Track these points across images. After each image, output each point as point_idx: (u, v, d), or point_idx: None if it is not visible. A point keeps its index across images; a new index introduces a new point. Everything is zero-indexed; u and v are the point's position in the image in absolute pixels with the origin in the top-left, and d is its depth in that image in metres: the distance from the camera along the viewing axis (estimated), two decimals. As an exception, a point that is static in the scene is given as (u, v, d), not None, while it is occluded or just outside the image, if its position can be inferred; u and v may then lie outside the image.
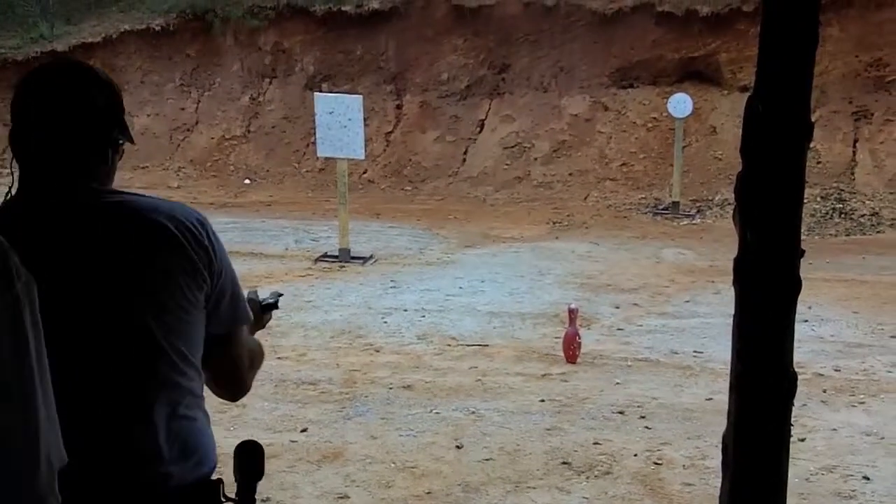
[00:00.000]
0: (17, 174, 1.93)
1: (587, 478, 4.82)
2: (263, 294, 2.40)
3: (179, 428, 1.94)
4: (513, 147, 15.18)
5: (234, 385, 2.16)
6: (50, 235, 1.88)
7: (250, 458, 2.07)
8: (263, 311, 2.34)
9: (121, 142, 2.00)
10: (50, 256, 1.85)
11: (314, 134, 11.18)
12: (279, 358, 6.72)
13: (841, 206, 12.89)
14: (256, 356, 2.20)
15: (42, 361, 1.37)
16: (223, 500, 2.00)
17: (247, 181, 15.08)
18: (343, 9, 16.08)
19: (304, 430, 5.40)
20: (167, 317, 1.90)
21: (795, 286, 1.72)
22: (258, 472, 2.06)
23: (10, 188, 1.94)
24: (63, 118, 1.91)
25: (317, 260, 9.99)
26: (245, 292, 2.15)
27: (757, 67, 1.70)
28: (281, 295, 2.48)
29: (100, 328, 1.87)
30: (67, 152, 1.91)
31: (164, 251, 1.89)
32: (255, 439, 2.11)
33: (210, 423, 2.05)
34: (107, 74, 2.05)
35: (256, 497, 2.06)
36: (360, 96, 10.85)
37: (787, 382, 1.74)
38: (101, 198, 1.92)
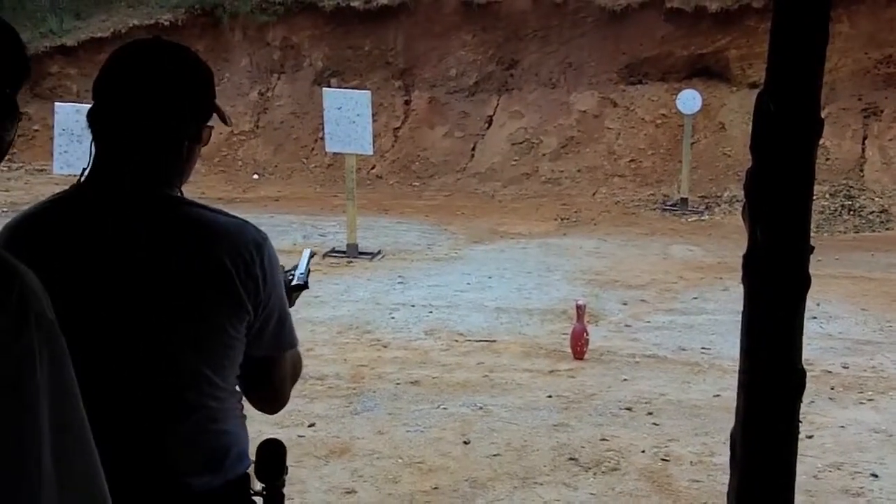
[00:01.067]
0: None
1: (594, 474, 4.82)
2: (301, 265, 2.31)
3: (208, 442, 1.90)
4: (521, 143, 15.17)
5: (273, 403, 2.12)
6: (103, 239, 1.82)
7: (272, 456, 2.03)
8: (291, 292, 2.24)
9: (205, 127, 1.93)
10: (97, 263, 1.81)
11: (322, 129, 11.19)
12: (287, 353, 6.73)
13: (850, 203, 12.86)
14: (297, 369, 2.15)
15: (65, 437, 1.14)
16: (251, 493, 1.98)
17: (255, 176, 15.09)
18: (352, 4, 16.08)
19: (311, 425, 5.41)
20: (204, 345, 1.85)
21: (804, 283, 1.72)
22: (280, 471, 2.02)
23: (83, 169, 1.87)
24: (141, 103, 1.83)
25: (325, 255, 10.00)
26: None
27: (767, 64, 1.70)
28: (313, 255, 2.40)
29: (133, 349, 1.82)
30: (142, 143, 1.83)
31: (213, 287, 1.82)
32: (275, 437, 2.09)
33: (245, 422, 2.02)
34: (194, 56, 1.96)
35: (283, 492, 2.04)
36: (369, 92, 10.85)
37: (795, 379, 1.74)
38: (166, 208, 1.84)
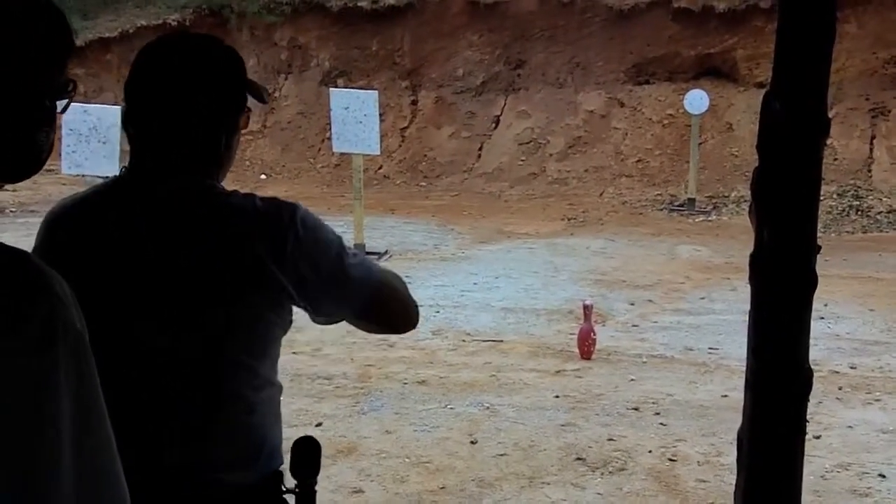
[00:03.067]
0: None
1: (601, 474, 4.82)
2: None
3: (244, 435, 1.87)
4: (528, 143, 15.18)
5: (396, 330, 2.14)
6: (132, 232, 1.80)
7: (307, 453, 1.98)
8: None
9: (241, 115, 1.91)
10: (127, 254, 1.79)
11: (330, 129, 11.21)
12: (294, 353, 6.73)
13: (857, 203, 12.84)
14: (398, 291, 2.03)
15: (88, 453, 1.12)
16: (284, 490, 1.95)
17: (263, 176, 15.13)
18: (359, 4, 16.11)
19: (318, 425, 5.42)
20: (240, 333, 1.81)
21: (811, 283, 1.72)
22: (315, 469, 1.98)
23: (122, 168, 1.87)
24: (171, 98, 1.81)
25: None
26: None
27: (774, 64, 1.70)
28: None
29: (164, 340, 1.79)
30: (175, 137, 1.81)
31: (245, 274, 1.78)
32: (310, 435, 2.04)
33: (280, 419, 1.99)
34: (222, 44, 1.92)
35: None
36: (376, 92, 10.86)
37: (802, 380, 1.73)
38: (197, 199, 1.82)
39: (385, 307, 2.00)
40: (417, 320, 2.09)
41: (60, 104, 1.27)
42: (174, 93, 1.82)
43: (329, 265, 1.87)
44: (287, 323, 1.89)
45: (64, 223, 1.88)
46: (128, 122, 1.85)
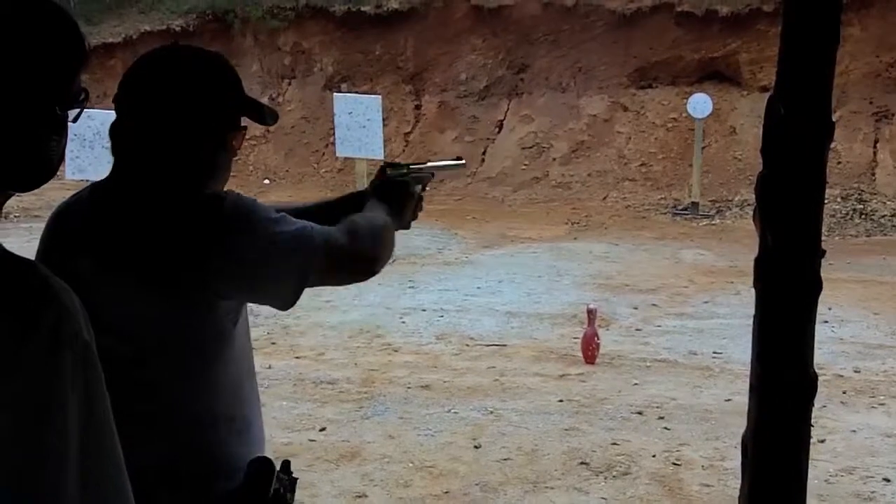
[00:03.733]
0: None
1: (605, 478, 4.81)
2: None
3: (193, 450, 1.86)
4: (531, 147, 15.18)
5: (356, 275, 2.01)
6: (101, 232, 1.83)
7: (258, 476, 1.90)
8: (401, 192, 2.16)
9: (232, 133, 1.90)
10: (94, 253, 1.82)
11: (333, 134, 11.22)
12: (297, 357, 6.75)
13: (861, 206, 12.83)
14: (343, 247, 1.90)
15: (95, 463, 1.12)
16: None
17: (266, 181, 15.14)
18: (362, 9, 16.13)
19: (322, 430, 5.41)
20: (188, 338, 1.81)
21: (816, 287, 1.71)
22: (265, 491, 1.89)
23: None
24: (154, 112, 1.82)
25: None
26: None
27: (777, 68, 1.69)
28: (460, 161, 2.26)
29: (112, 339, 1.74)
30: (152, 149, 1.82)
31: (187, 277, 1.77)
32: (267, 455, 1.97)
33: (245, 439, 1.94)
34: (213, 59, 1.91)
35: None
36: (379, 96, 10.88)
37: (807, 384, 1.73)
38: (161, 202, 1.82)
39: (334, 266, 1.92)
40: (369, 264, 1.97)
41: (72, 113, 1.26)
42: (153, 104, 1.83)
43: (268, 259, 1.83)
44: (233, 328, 1.85)
45: (49, 224, 1.94)
46: (112, 133, 1.86)
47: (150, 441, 1.79)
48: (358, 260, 1.94)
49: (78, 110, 1.27)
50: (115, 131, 1.86)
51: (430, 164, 2.26)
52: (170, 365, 1.82)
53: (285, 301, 1.86)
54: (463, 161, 2.35)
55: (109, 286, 1.79)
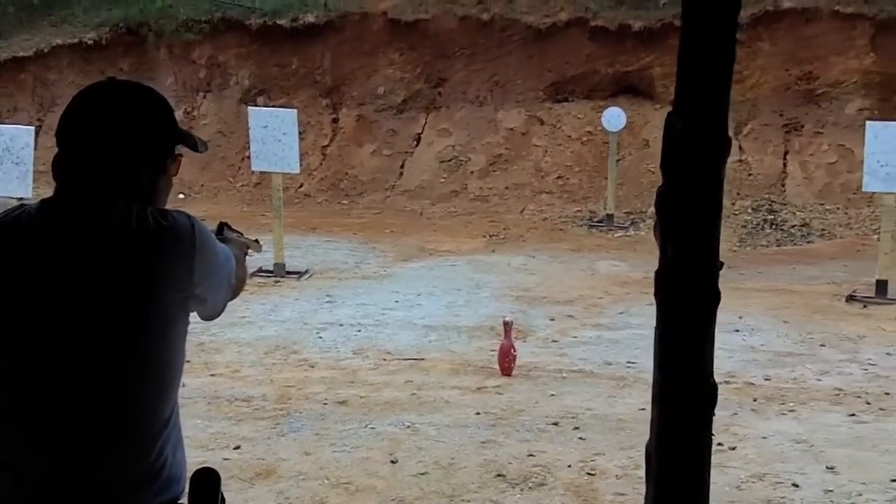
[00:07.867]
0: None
1: (521, 490, 4.83)
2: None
3: (145, 459, 1.94)
4: (449, 161, 15.22)
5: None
6: (57, 252, 1.90)
7: (205, 486, 2.03)
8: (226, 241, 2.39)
9: (170, 159, 2.05)
10: (55, 273, 1.89)
11: (249, 148, 11.12)
12: (212, 375, 6.66)
13: (772, 217, 13.11)
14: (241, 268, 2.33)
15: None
16: None
17: (181, 195, 14.92)
18: (278, 22, 16.03)
19: (237, 448, 5.35)
20: (147, 350, 1.94)
21: (715, 298, 1.75)
22: (213, 501, 2.04)
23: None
24: (92, 139, 1.94)
25: (251, 275, 9.91)
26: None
27: (676, 83, 1.73)
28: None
29: (73, 359, 1.88)
30: (94, 171, 1.94)
31: (150, 292, 1.92)
32: (210, 465, 2.09)
33: (183, 445, 2.07)
34: (148, 93, 2.06)
35: None
36: (295, 110, 10.82)
37: (707, 392, 1.77)
38: (114, 218, 1.93)
39: (241, 284, 2.31)
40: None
41: None
42: (97, 137, 1.95)
43: (220, 270, 2.09)
44: (185, 340, 2.04)
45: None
46: (57, 164, 1.96)
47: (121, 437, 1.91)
48: (244, 281, 2.35)
49: None
50: (61, 163, 1.95)
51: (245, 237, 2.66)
52: (144, 378, 1.95)
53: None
54: (260, 245, 2.78)
55: (85, 304, 1.88)
